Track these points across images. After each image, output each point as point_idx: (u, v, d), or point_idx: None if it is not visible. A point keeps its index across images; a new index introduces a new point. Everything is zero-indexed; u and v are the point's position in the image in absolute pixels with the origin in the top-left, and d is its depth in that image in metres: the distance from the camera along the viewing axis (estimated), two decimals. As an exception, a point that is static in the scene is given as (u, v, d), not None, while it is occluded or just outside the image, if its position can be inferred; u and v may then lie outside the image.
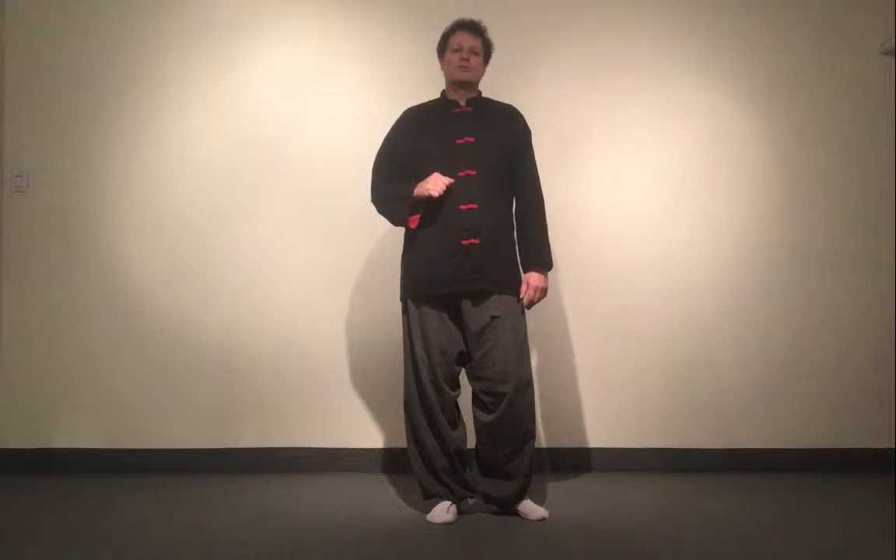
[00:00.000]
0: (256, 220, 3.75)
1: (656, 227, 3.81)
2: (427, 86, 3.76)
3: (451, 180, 2.83)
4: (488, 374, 2.85)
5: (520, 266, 2.98)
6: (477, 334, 2.86)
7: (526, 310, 2.95)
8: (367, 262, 3.77)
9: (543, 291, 2.96)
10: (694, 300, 3.81)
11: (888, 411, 3.79)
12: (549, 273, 3.00)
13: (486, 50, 3.03)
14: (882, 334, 3.83)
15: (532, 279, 2.93)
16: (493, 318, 2.84)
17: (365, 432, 3.74)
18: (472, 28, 2.99)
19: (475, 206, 2.84)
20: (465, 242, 2.83)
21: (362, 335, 3.75)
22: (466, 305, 2.87)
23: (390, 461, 3.72)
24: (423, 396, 2.92)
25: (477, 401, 2.92)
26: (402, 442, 3.71)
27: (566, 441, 3.77)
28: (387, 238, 3.75)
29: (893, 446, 3.79)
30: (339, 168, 3.77)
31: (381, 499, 3.22)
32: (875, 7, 3.87)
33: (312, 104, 3.79)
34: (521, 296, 2.92)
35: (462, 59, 2.94)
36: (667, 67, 3.86)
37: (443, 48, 3.04)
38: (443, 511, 2.88)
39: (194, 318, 3.72)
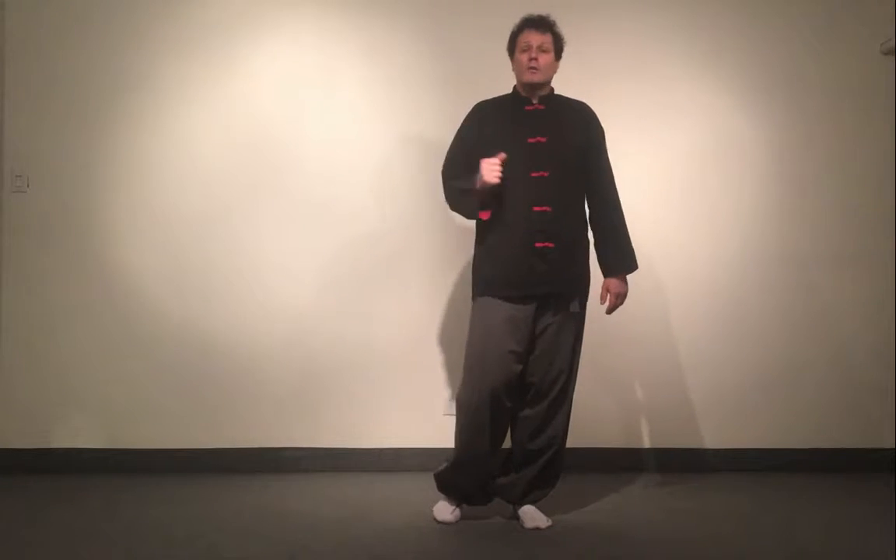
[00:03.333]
0: (257, 219, 3.75)
1: (656, 226, 3.81)
2: (427, 85, 3.77)
3: (503, 156, 2.71)
4: (537, 373, 2.82)
5: (589, 270, 2.90)
6: (537, 336, 2.82)
7: (608, 314, 2.91)
8: (368, 262, 3.76)
9: (624, 297, 2.90)
10: (693, 299, 3.81)
11: (888, 411, 3.79)
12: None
13: (557, 45, 2.93)
14: (882, 334, 3.83)
15: (612, 285, 2.87)
16: (554, 320, 2.80)
17: (365, 432, 3.73)
18: (540, 24, 2.89)
19: (548, 208, 2.76)
20: (538, 245, 2.74)
21: (362, 335, 3.75)
22: (533, 308, 2.79)
23: (391, 461, 3.71)
24: (477, 399, 2.78)
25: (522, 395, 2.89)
26: (402, 442, 3.73)
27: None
28: (386, 239, 3.75)
29: (893, 446, 3.79)
30: (339, 168, 3.77)
31: (382, 499, 3.22)
32: (875, 7, 3.87)
33: (313, 104, 3.79)
34: (603, 303, 2.87)
35: (531, 58, 2.85)
36: (667, 68, 3.86)
37: (512, 48, 2.94)
38: (447, 511, 2.91)
39: (194, 318, 3.72)
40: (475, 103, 3.00)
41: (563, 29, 3.86)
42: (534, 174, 2.77)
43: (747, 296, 3.83)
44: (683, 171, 3.85)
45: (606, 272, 2.89)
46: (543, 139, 2.81)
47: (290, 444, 3.72)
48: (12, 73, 3.73)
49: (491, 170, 2.70)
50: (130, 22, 3.76)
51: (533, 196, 2.76)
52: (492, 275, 2.81)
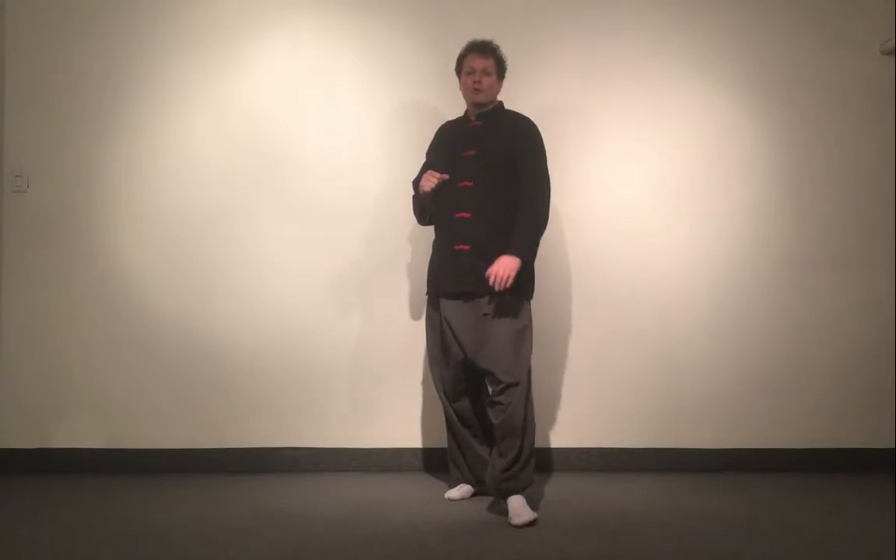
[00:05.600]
0: (256, 220, 3.75)
1: (655, 226, 3.81)
2: (427, 86, 3.78)
3: (444, 176, 3.05)
4: (483, 366, 3.00)
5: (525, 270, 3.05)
6: (472, 333, 3.02)
7: (501, 291, 2.92)
8: (368, 263, 3.77)
9: (506, 270, 2.90)
10: (693, 299, 3.81)
11: (888, 411, 3.79)
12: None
13: (500, 67, 3.17)
14: (882, 334, 3.83)
15: (501, 259, 2.92)
16: (485, 315, 2.99)
17: (365, 432, 3.73)
18: (483, 49, 3.14)
19: (467, 214, 3.03)
20: (456, 248, 3.04)
21: (362, 335, 3.75)
22: (460, 306, 3.04)
23: (390, 461, 3.72)
24: (437, 390, 3.24)
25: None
26: (401, 442, 3.74)
27: (565, 441, 3.78)
28: (386, 238, 3.75)
29: (893, 446, 3.79)
30: (339, 168, 3.77)
31: (381, 499, 3.22)
32: (875, 7, 3.87)
33: (312, 104, 3.79)
34: (488, 275, 2.93)
35: (475, 81, 3.11)
36: (666, 67, 3.86)
37: (459, 70, 3.21)
38: (454, 489, 3.24)
39: (194, 318, 3.72)
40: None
41: (563, 30, 3.89)
42: (461, 184, 3.06)
43: (747, 295, 3.83)
44: (683, 171, 3.85)
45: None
46: (473, 152, 3.08)
47: (290, 444, 3.72)
48: (12, 73, 3.73)
49: (427, 179, 3.07)
50: (130, 22, 3.76)
51: (456, 204, 3.06)
52: (430, 276, 3.20)
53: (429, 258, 3.24)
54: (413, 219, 3.62)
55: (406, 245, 3.77)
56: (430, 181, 3.07)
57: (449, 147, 3.18)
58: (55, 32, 3.74)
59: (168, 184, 3.75)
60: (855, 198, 3.86)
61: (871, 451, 3.79)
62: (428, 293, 3.22)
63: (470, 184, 3.04)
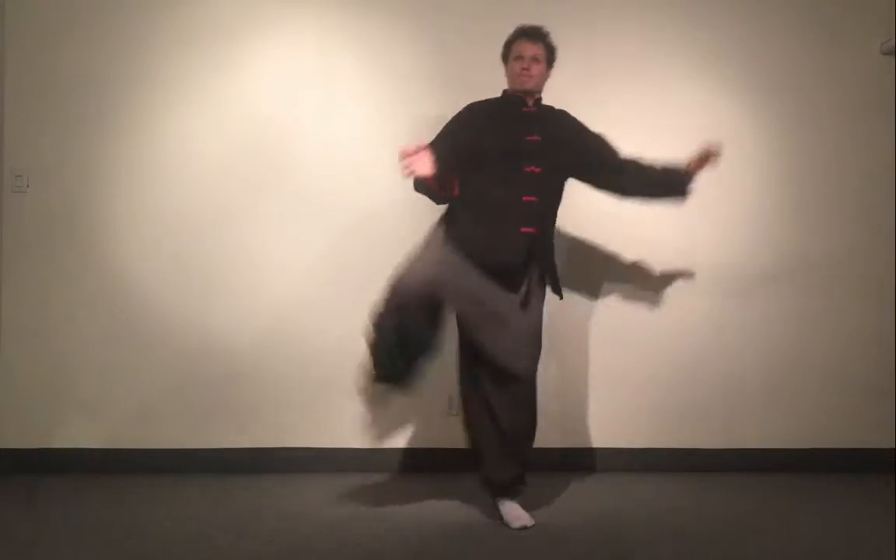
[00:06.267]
0: (257, 219, 3.75)
1: (655, 226, 3.81)
2: (427, 86, 3.77)
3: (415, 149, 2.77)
4: (503, 362, 2.87)
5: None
6: (502, 318, 2.89)
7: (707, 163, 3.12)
8: (368, 262, 3.76)
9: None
10: (693, 299, 3.81)
11: (888, 411, 3.79)
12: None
13: (549, 55, 3.08)
14: (882, 334, 3.83)
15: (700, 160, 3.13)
16: (521, 304, 2.91)
17: (365, 432, 3.73)
18: (533, 35, 3.04)
19: (535, 199, 2.94)
20: (524, 230, 2.91)
21: (363, 335, 3.75)
22: (506, 291, 2.92)
23: (390, 461, 3.72)
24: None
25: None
26: (403, 442, 3.73)
27: (566, 441, 3.77)
28: (386, 238, 3.75)
29: (893, 446, 3.79)
30: (339, 167, 3.77)
31: (382, 499, 3.22)
32: (875, 7, 3.87)
33: (312, 104, 3.79)
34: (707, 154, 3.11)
35: (524, 68, 2.99)
36: (666, 67, 3.86)
37: (506, 55, 3.09)
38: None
39: (194, 317, 3.72)
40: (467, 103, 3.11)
41: (562, 29, 3.87)
42: (527, 169, 2.94)
43: (747, 295, 3.82)
44: (683, 171, 3.84)
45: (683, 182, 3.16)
46: (538, 138, 2.99)
47: (290, 444, 3.72)
48: (12, 73, 3.73)
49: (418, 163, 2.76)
50: (131, 22, 3.76)
51: (524, 188, 2.93)
52: (476, 247, 2.92)
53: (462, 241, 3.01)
54: (414, 218, 3.62)
55: (407, 245, 3.75)
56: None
57: (506, 129, 3.00)
58: (55, 32, 3.73)
59: (168, 184, 3.75)
60: (855, 198, 3.86)
61: (871, 451, 3.79)
62: (470, 257, 2.93)
63: (538, 170, 2.94)
